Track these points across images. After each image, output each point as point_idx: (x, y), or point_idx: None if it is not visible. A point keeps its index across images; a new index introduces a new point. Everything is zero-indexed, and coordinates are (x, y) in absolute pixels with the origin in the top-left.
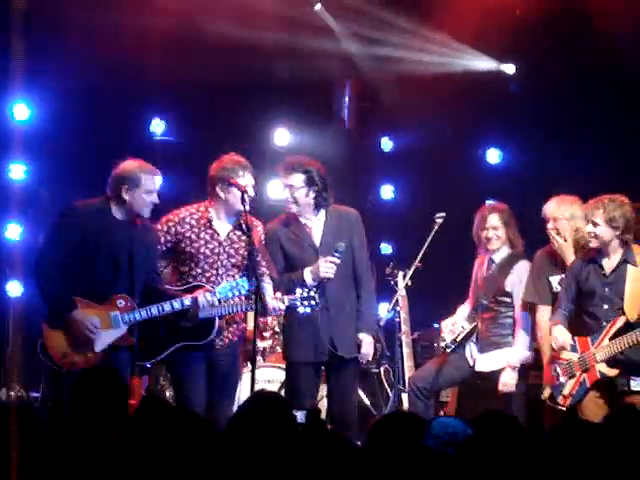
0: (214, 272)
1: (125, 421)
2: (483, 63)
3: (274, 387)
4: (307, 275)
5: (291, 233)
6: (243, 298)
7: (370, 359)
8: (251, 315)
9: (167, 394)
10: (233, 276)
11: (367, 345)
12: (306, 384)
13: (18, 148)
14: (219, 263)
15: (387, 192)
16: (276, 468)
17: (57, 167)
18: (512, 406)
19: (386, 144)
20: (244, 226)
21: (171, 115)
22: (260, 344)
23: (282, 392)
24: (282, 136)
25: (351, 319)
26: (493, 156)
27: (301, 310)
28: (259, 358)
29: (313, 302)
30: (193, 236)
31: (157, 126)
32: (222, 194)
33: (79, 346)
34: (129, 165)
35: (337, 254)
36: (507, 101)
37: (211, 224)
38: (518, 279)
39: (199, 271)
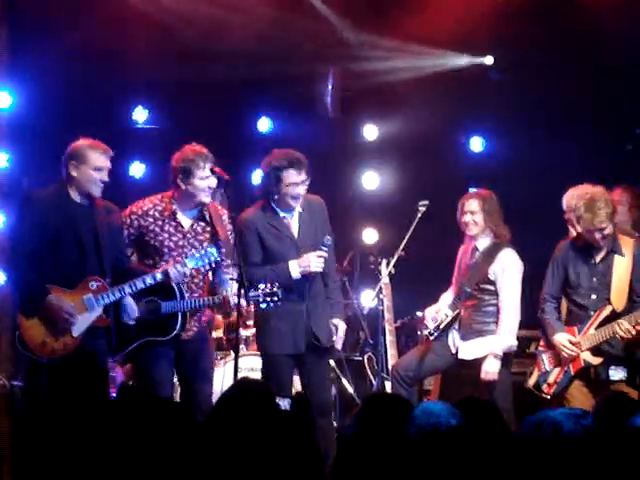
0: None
1: (105, 406)
2: (461, 60)
3: (257, 375)
4: (293, 268)
5: (269, 225)
6: (205, 293)
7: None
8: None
9: None
10: (198, 269)
11: (342, 330)
12: (286, 375)
13: (0, 136)
14: (183, 256)
15: (370, 180)
16: (259, 455)
17: (40, 155)
18: (495, 394)
19: (369, 132)
20: (207, 217)
21: (154, 103)
22: (243, 332)
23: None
24: (265, 124)
25: (325, 308)
26: (477, 144)
27: (263, 306)
28: (242, 346)
29: (276, 298)
30: (157, 229)
31: (140, 114)
32: (183, 185)
33: (57, 333)
34: (78, 143)
35: (325, 248)
36: (489, 88)
37: (175, 216)
38: (501, 267)
39: (163, 263)
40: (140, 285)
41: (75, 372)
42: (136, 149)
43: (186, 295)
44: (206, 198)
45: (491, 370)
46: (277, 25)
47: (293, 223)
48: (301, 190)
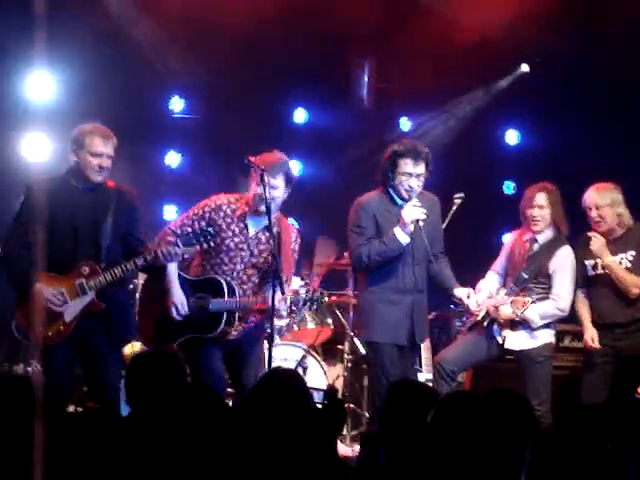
0: (232, 266)
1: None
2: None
3: (290, 365)
4: (398, 232)
5: (387, 212)
6: (251, 295)
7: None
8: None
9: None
10: (250, 276)
11: (464, 292)
12: (391, 360)
13: (38, 124)
14: (239, 259)
15: None
16: (290, 444)
17: None
18: (535, 386)
19: (404, 124)
20: (275, 230)
21: (190, 93)
22: (277, 323)
23: (297, 371)
24: (301, 115)
25: (426, 305)
26: (512, 137)
27: (303, 311)
28: (276, 337)
29: (315, 305)
30: (224, 225)
31: (176, 104)
32: (252, 187)
33: (49, 319)
34: (80, 127)
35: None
36: (525, 83)
37: (245, 218)
38: (559, 264)
39: (218, 261)
40: (130, 267)
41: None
42: (172, 139)
43: (237, 295)
44: (262, 207)
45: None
46: (313, 16)
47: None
48: (414, 183)
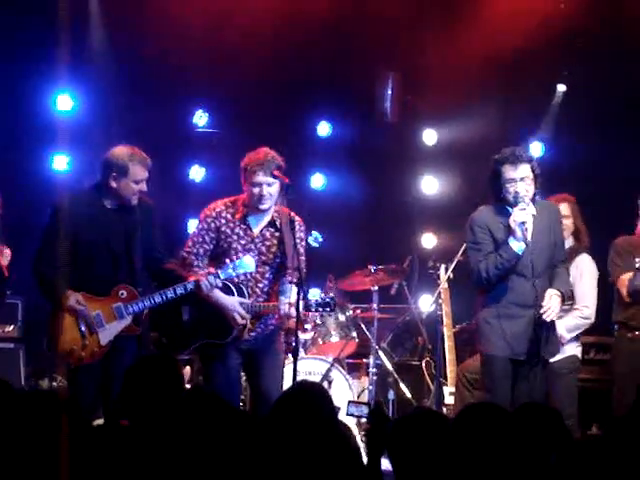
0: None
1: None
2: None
3: (315, 379)
4: (510, 239)
5: (501, 225)
6: (268, 296)
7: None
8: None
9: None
10: (263, 273)
11: (549, 296)
12: (503, 378)
13: (61, 139)
14: (219, 267)
15: (430, 185)
16: (313, 457)
17: (100, 158)
18: (560, 398)
19: (429, 136)
20: (277, 223)
21: (214, 107)
22: (302, 336)
23: (323, 384)
24: (325, 128)
25: (553, 321)
26: (536, 149)
27: (317, 314)
28: (300, 350)
29: (328, 309)
30: (228, 230)
31: (200, 118)
32: (245, 189)
33: (84, 341)
34: (119, 152)
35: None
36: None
37: (246, 219)
38: (579, 272)
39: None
40: (170, 295)
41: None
42: (196, 153)
43: (246, 297)
44: (261, 205)
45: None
46: (337, 29)
47: (527, 226)
48: (520, 188)
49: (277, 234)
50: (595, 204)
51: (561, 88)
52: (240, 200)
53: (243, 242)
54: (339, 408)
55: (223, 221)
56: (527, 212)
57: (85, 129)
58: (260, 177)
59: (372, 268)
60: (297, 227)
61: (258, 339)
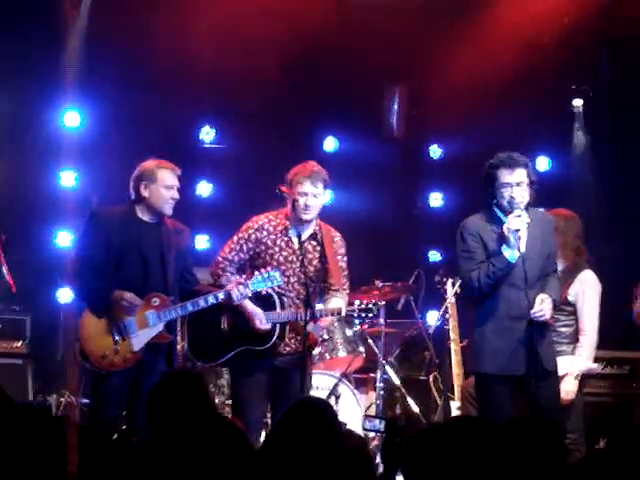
0: (285, 280)
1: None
2: None
3: (322, 394)
4: (503, 247)
5: (493, 233)
6: (301, 307)
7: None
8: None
9: (216, 401)
10: (305, 284)
11: (540, 299)
12: (501, 396)
13: (69, 155)
14: (291, 271)
15: (436, 199)
16: (318, 474)
17: (108, 174)
18: (567, 414)
19: (435, 151)
20: (319, 237)
21: (221, 123)
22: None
23: (330, 399)
24: (331, 143)
25: (548, 329)
26: (542, 163)
27: (357, 321)
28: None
29: (371, 314)
30: (270, 242)
31: (207, 134)
32: (288, 200)
33: (117, 346)
34: (146, 163)
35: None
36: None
37: (287, 232)
38: (581, 288)
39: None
40: (202, 304)
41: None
42: (203, 168)
43: (287, 308)
44: (305, 215)
45: (571, 390)
46: (344, 45)
47: (520, 233)
48: (516, 193)
49: (319, 248)
50: (606, 219)
51: (578, 103)
52: (283, 213)
53: (285, 254)
54: (345, 423)
55: (265, 233)
56: (522, 220)
57: (92, 145)
58: (307, 187)
59: (379, 284)
60: (339, 242)
61: (292, 357)
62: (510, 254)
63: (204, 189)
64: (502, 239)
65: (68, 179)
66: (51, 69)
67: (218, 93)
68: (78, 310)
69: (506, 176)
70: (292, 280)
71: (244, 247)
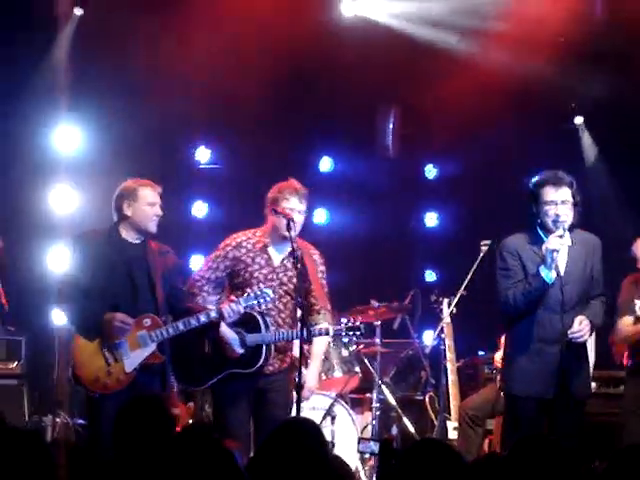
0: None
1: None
2: None
3: (318, 414)
4: (541, 267)
5: (533, 253)
6: (283, 325)
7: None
8: (296, 342)
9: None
10: (285, 304)
11: (578, 321)
12: (532, 419)
13: (63, 175)
14: (272, 289)
15: (431, 219)
16: None
17: (103, 195)
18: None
19: (430, 171)
20: (298, 254)
21: (216, 143)
22: (305, 372)
23: (326, 420)
24: (327, 163)
25: (583, 354)
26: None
27: (345, 339)
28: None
29: (358, 332)
30: (249, 260)
31: (202, 154)
32: (270, 217)
33: (110, 368)
34: (126, 182)
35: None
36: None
37: (266, 249)
38: None
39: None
40: (194, 323)
41: (142, 415)
42: (199, 189)
43: (271, 328)
44: (286, 233)
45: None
46: (338, 64)
47: (560, 255)
48: (561, 211)
49: (299, 266)
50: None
51: (579, 120)
52: (261, 231)
53: (265, 272)
54: (333, 444)
55: (244, 251)
56: (562, 241)
57: (87, 166)
58: (293, 203)
59: (375, 304)
60: (318, 260)
61: (274, 377)
62: (547, 274)
63: (200, 209)
64: (542, 260)
65: (63, 199)
66: (45, 89)
67: (214, 114)
68: (71, 332)
69: (551, 194)
70: (273, 297)
71: (221, 265)
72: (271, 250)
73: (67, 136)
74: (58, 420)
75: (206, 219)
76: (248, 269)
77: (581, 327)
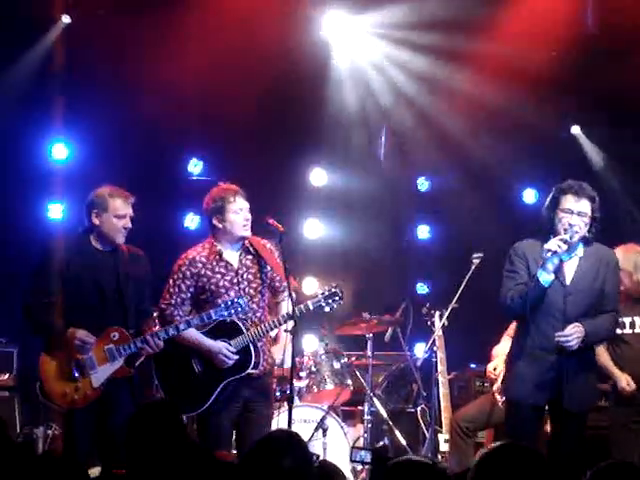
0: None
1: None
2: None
3: (310, 427)
4: (539, 272)
5: (540, 257)
6: (259, 325)
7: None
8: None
9: None
10: (257, 302)
11: (570, 328)
12: (527, 424)
13: (56, 188)
14: (241, 292)
15: (423, 232)
16: None
17: None
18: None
19: (422, 184)
20: (251, 249)
21: (208, 155)
22: (296, 384)
23: (318, 432)
24: (318, 176)
25: (586, 365)
26: (529, 196)
27: (327, 308)
28: (295, 398)
29: (337, 297)
30: (208, 272)
31: (195, 166)
32: (219, 224)
33: (77, 384)
34: (99, 190)
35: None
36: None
37: (221, 256)
38: None
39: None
40: (163, 335)
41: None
42: (191, 201)
43: (251, 329)
44: (246, 232)
45: None
46: (329, 77)
47: (568, 265)
48: (575, 221)
49: (256, 260)
50: None
51: (576, 130)
52: (208, 242)
53: (228, 278)
54: (317, 455)
55: (200, 265)
56: (565, 246)
57: (80, 178)
58: (240, 202)
59: (367, 316)
60: (271, 247)
61: (258, 382)
62: (543, 278)
63: (192, 221)
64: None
65: (56, 212)
66: (39, 102)
67: (206, 126)
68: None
69: (571, 202)
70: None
71: (182, 286)
72: (226, 255)
73: (61, 149)
74: (50, 432)
75: (198, 231)
76: (211, 281)
77: (570, 332)
